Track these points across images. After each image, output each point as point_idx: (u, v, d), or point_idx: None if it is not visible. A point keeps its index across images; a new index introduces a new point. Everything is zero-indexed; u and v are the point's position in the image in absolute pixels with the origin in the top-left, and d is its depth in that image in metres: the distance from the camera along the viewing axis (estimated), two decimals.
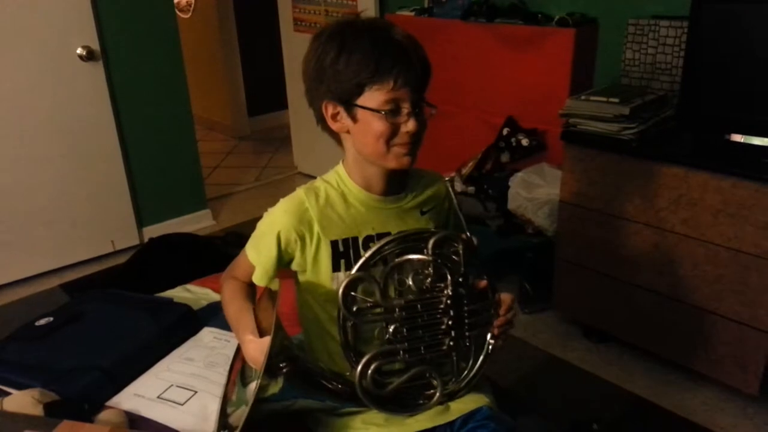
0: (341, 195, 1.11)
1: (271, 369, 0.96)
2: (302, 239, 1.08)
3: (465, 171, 2.69)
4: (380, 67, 0.98)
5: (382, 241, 1.05)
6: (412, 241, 1.07)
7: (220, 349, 1.48)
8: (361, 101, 1.01)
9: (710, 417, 1.93)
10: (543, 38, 2.56)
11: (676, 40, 2.23)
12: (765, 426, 1.89)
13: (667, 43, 2.25)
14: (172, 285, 1.84)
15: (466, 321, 1.07)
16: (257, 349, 1.01)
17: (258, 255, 1.11)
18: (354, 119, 1.04)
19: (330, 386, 1.08)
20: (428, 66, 1.04)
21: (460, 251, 1.07)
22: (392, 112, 1.00)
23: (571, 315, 2.38)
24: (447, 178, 1.18)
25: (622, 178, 1.99)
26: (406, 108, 1.01)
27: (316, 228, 1.08)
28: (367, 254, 1.05)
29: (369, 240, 1.09)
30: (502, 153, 2.67)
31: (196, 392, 1.34)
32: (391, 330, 1.03)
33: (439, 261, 1.05)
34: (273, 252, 1.08)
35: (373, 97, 1.00)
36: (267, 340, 0.97)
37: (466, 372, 1.11)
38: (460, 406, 1.12)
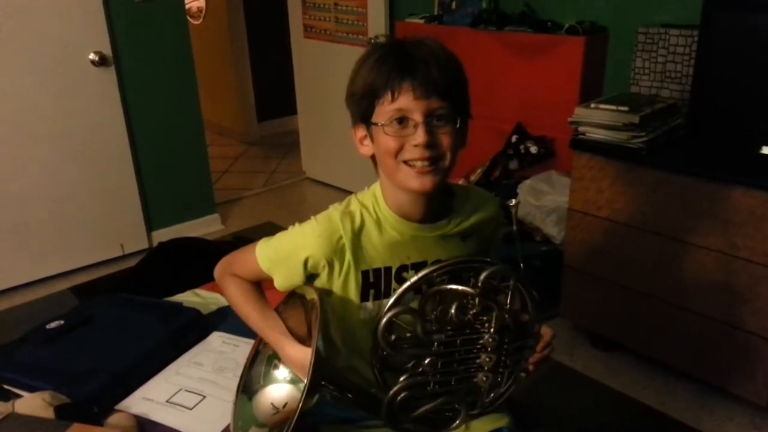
0: (376, 222, 1.04)
1: (314, 384, 0.93)
2: (331, 266, 1.03)
3: (473, 178, 2.70)
4: (378, 78, 0.95)
5: (429, 269, 0.99)
6: (461, 270, 1.01)
7: (229, 354, 1.49)
8: (373, 119, 0.98)
9: (718, 427, 1.92)
10: (553, 46, 2.57)
11: (686, 49, 2.23)
12: None
13: (677, 51, 2.26)
14: (182, 289, 1.85)
15: (503, 358, 1.03)
16: (305, 357, 0.98)
17: (278, 270, 1.07)
18: (373, 139, 1.00)
19: (356, 400, 1.07)
20: (446, 74, 0.95)
21: (511, 285, 1.00)
22: (400, 125, 0.95)
23: (579, 323, 2.38)
24: (514, 202, 1.09)
25: (630, 186, 1.99)
26: (415, 119, 0.94)
27: (348, 257, 1.02)
28: (413, 280, 0.99)
29: (403, 269, 1.04)
30: (511, 160, 2.68)
31: (204, 397, 1.35)
32: (426, 362, 1.00)
33: (487, 296, 0.99)
34: (299, 272, 1.04)
35: (381, 113, 0.96)
36: (308, 350, 0.97)
37: (491, 397, 1.08)
38: (480, 426, 1.10)
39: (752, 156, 1.83)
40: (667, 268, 1.97)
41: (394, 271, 1.04)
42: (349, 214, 1.04)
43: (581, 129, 2.08)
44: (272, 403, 1.07)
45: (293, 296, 1.12)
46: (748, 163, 1.80)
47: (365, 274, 1.03)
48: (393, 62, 0.95)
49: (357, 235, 1.03)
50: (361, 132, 1.03)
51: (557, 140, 2.60)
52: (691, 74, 2.13)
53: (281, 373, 1.09)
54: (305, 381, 0.92)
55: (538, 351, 1.05)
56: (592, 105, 2.07)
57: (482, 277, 0.98)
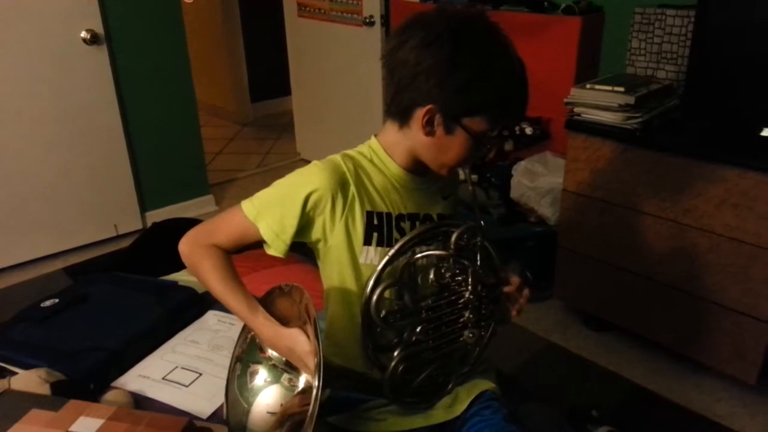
0: (376, 168, 1.07)
1: (324, 378, 0.92)
2: (334, 204, 1.01)
3: None
4: (509, 109, 1.00)
5: (405, 238, 1.02)
6: (432, 234, 1.05)
7: (225, 332, 1.49)
8: (466, 121, 0.98)
9: (708, 406, 1.95)
10: (549, 26, 2.55)
11: (682, 29, 2.22)
12: (761, 415, 1.91)
13: (673, 32, 2.25)
14: (176, 269, 1.85)
15: (483, 311, 1.06)
16: (311, 348, 0.95)
17: (268, 214, 1.02)
18: (449, 132, 0.99)
19: (351, 383, 1.09)
20: None
21: (478, 243, 1.05)
22: (490, 141, 1.03)
23: (572, 303, 2.39)
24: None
25: (625, 167, 1.99)
26: (491, 139, 1.03)
27: (352, 192, 1.02)
28: (391, 253, 1.01)
29: (400, 219, 1.07)
30: (506, 141, 2.67)
31: (200, 374, 1.35)
32: (418, 330, 1.03)
33: (461, 255, 1.03)
34: (295, 212, 1.00)
35: (480, 123, 0.99)
36: (294, 332, 0.97)
37: (477, 351, 1.12)
38: (466, 392, 1.13)
39: (747, 137, 1.83)
40: (660, 249, 1.98)
41: (394, 217, 1.06)
42: (348, 156, 1.07)
43: (577, 110, 2.07)
44: (268, 412, 1.05)
45: (273, 291, 1.09)
46: (742, 145, 1.81)
47: (370, 215, 1.04)
48: (525, 98, 1.01)
49: (358, 174, 1.04)
50: (430, 114, 0.98)
51: (552, 121, 2.59)
52: (687, 55, 2.13)
53: (260, 379, 1.07)
54: (315, 380, 0.90)
55: (515, 293, 1.10)
56: (588, 86, 2.06)
57: (454, 237, 1.03)
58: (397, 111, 1.02)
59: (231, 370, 1.10)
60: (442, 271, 1.04)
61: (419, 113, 0.98)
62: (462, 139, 1.00)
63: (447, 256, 1.03)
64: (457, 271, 1.04)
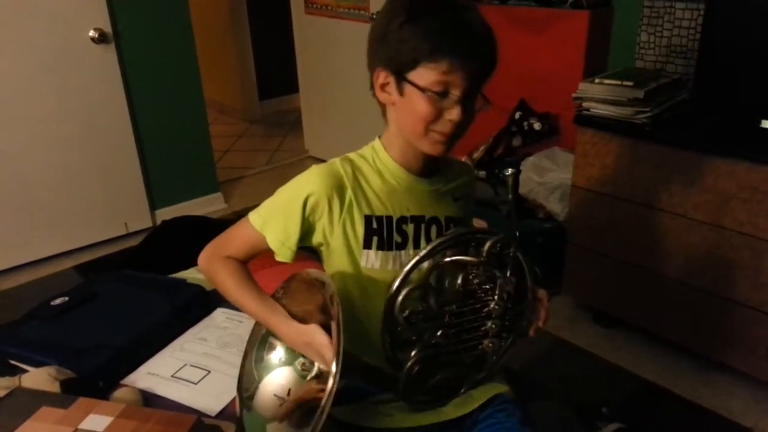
0: (377, 171, 1.06)
1: (341, 368, 0.91)
2: (331, 207, 1.01)
3: (476, 155, 2.69)
4: (441, 46, 0.92)
5: (436, 242, 1.01)
6: (464, 241, 1.04)
7: (233, 330, 1.50)
8: (411, 76, 0.95)
9: (719, 402, 1.93)
10: (557, 20, 2.54)
11: (691, 23, 2.20)
12: None
13: (682, 25, 2.23)
14: (185, 267, 1.85)
15: (506, 323, 1.05)
16: (328, 341, 0.94)
17: (272, 222, 1.03)
18: (401, 93, 0.98)
19: (362, 377, 1.08)
20: (494, 60, 0.98)
21: (511, 254, 1.03)
22: (439, 96, 0.95)
23: (581, 299, 2.38)
24: (510, 171, 1.15)
25: (635, 162, 1.98)
26: (455, 95, 0.95)
27: (349, 196, 1.02)
28: (422, 253, 0.99)
29: (402, 221, 1.05)
30: (514, 137, 2.66)
31: (209, 372, 1.36)
32: (439, 334, 1.02)
33: (491, 264, 1.02)
34: (297, 217, 1.01)
35: (424, 75, 0.94)
36: (311, 328, 0.97)
37: (493, 360, 1.11)
38: (480, 394, 1.12)
39: (757, 131, 1.81)
40: (670, 244, 1.97)
41: (395, 220, 1.05)
42: (348, 160, 1.06)
43: (585, 104, 2.06)
44: (275, 395, 1.05)
45: (291, 279, 1.10)
46: (752, 139, 1.79)
47: (368, 219, 1.04)
48: (458, 33, 0.93)
49: (356, 178, 1.04)
50: (385, 78, 0.99)
51: (561, 116, 2.58)
52: (696, 48, 2.11)
53: (275, 356, 1.07)
54: (332, 369, 0.90)
55: (540, 317, 1.10)
56: (597, 80, 2.05)
57: (487, 246, 1.01)
58: (373, 94, 1.04)
59: (252, 333, 1.11)
60: (471, 277, 1.03)
61: (376, 84, 1.00)
62: (416, 97, 0.96)
63: (477, 263, 1.02)
64: (486, 280, 1.03)
